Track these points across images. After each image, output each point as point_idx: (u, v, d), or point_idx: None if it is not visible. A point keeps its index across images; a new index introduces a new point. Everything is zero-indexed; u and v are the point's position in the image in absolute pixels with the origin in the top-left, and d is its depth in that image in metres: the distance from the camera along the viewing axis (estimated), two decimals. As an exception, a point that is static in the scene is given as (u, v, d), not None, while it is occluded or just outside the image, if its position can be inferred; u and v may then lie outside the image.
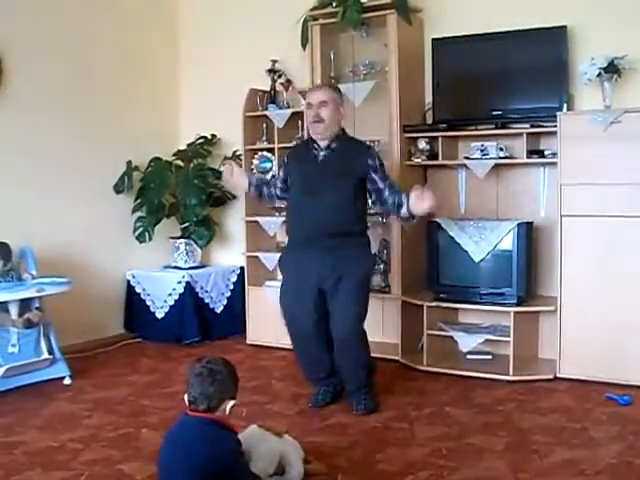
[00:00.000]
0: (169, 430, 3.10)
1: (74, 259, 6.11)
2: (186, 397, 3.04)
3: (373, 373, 4.74)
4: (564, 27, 5.19)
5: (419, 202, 4.25)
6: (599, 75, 4.93)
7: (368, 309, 4.58)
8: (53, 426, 4.37)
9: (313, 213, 4.43)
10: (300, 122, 6.09)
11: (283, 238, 6.36)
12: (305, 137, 5.13)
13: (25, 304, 5.17)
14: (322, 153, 4.55)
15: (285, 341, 6.01)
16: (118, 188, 6.54)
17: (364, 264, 4.58)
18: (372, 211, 5.85)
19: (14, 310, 5.10)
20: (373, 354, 5.37)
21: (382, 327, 6.05)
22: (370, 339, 5.57)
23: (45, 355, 5.18)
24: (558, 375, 5.09)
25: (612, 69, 4.92)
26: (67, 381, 5.27)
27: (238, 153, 6.56)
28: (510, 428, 4.19)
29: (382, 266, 5.91)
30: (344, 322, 4.44)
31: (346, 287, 4.43)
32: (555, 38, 5.21)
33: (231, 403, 3.03)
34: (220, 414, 3.01)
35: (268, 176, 6.06)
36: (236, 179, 4.81)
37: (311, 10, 5.90)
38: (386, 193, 4.48)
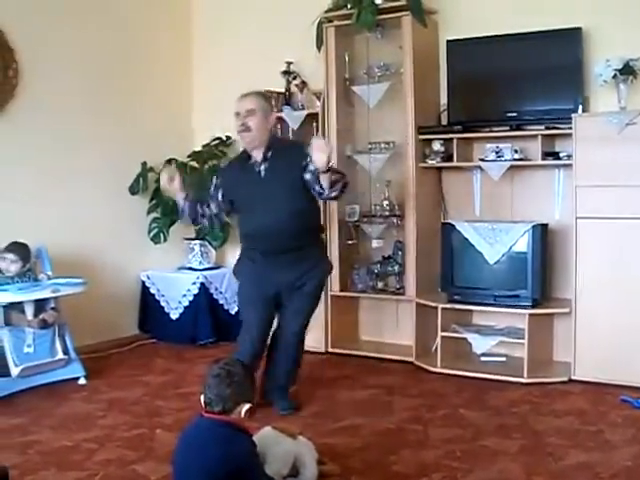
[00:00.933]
0: (184, 431, 3.10)
1: (89, 260, 6.13)
2: (202, 398, 3.04)
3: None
4: (579, 29, 5.18)
5: (316, 156, 4.15)
6: (614, 77, 4.92)
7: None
8: (68, 426, 4.39)
9: (268, 230, 4.38)
10: (315, 124, 6.09)
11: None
12: (237, 154, 4.96)
13: (40, 305, 5.20)
14: (262, 167, 4.45)
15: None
16: (133, 189, 6.56)
17: (320, 274, 4.69)
18: (387, 213, 5.88)
19: (30, 310, 5.12)
20: (388, 355, 5.39)
21: (396, 329, 6.05)
22: (385, 340, 5.60)
23: (60, 355, 5.19)
24: (573, 377, 5.07)
25: (627, 70, 4.90)
26: (82, 381, 5.29)
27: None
28: (524, 430, 4.18)
29: (396, 268, 5.90)
30: (294, 328, 4.65)
31: (302, 297, 4.58)
32: (570, 40, 5.19)
33: (246, 406, 3.01)
34: (235, 416, 3.01)
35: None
36: (175, 187, 4.60)
37: (326, 12, 5.91)
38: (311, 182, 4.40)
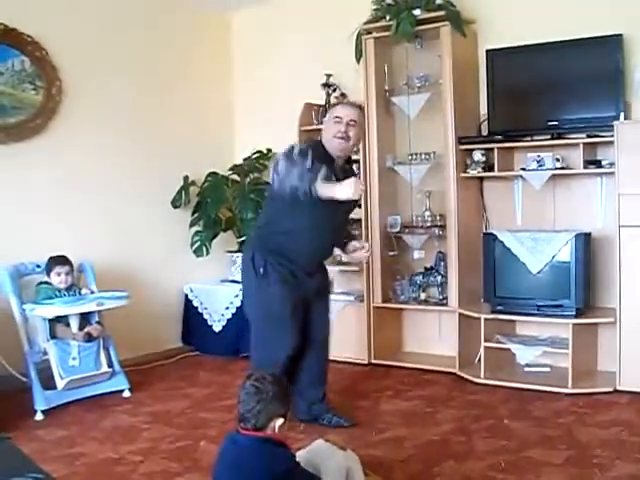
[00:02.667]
0: (222, 447, 3.11)
1: (133, 273, 6.20)
2: (238, 414, 3.05)
3: None
4: (620, 35, 5.13)
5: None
6: (655, 83, 4.88)
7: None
8: (112, 438, 4.44)
9: (321, 240, 4.41)
10: (355, 135, 6.10)
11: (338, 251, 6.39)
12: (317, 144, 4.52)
13: (85, 318, 5.27)
14: (339, 175, 4.26)
15: (343, 353, 6.05)
16: (175, 203, 6.63)
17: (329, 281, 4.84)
18: (428, 224, 5.87)
19: (75, 324, 5.19)
20: (431, 367, 5.38)
21: (439, 340, 6.03)
22: (427, 352, 5.58)
23: (105, 368, 5.25)
24: (618, 388, 5.01)
25: (668, 77, 4.86)
26: (126, 394, 5.34)
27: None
28: (569, 441, 4.14)
29: (438, 278, 5.88)
30: (325, 327, 4.69)
31: (324, 300, 4.68)
32: (610, 46, 5.15)
33: (280, 421, 2.98)
34: (270, 432, 2.99)
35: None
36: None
37: (365, 24, 5.92)
38: None
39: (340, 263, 6.36)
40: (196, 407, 5.06)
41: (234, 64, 7.38)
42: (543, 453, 3.97)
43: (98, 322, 5.32)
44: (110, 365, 5.32)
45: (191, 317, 6.76)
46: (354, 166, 4.93)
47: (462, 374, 5.54)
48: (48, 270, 5.29)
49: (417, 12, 5.56)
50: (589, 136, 5.20)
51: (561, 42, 5.32)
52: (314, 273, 4.52)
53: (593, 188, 5.43)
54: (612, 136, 4.98)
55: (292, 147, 4.08)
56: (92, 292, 5.42)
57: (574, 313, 5.14)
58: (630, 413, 4.61)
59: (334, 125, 4.36)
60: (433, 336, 6.08)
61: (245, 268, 4.47)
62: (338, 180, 4.09)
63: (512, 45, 5.52)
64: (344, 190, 3.86)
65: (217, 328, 6.59)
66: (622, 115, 5.08)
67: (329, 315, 4.75)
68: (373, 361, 6.07)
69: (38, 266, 5.37)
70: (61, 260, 5.31)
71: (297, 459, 3.12)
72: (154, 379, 5.81)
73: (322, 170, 3.92)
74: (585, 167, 5.22)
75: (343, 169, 4.42)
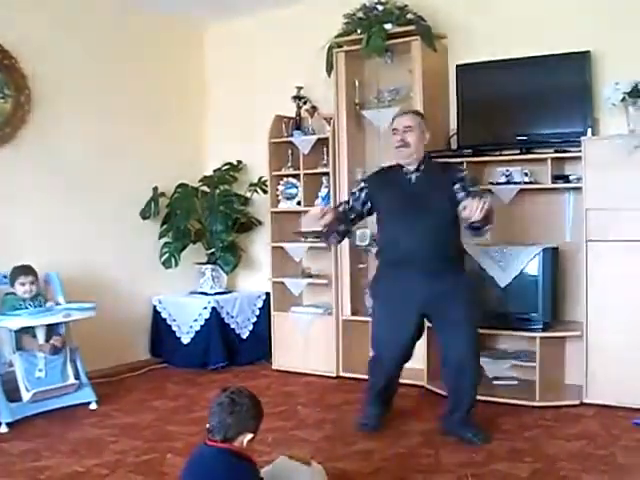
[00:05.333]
0: (189, 458, 3.10)
1: (101, 285, 6.16)
2: (207, 425, 3.04)
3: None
4: (588, 52, 5.20)
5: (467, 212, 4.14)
6: (623, 100, 4.92)
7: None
8: (79, 451, 4.39)
9: (412, 235, 4.36)
10: (325, 148, 6.12)
11: (309, 264, 6.41)
12: (385, 165, 4.89)
13: (52, 329, 5.22)
14: (414, 175, 4.51)
15: (311, 366, 6.06)
16: (145, 214, 6.60)
17: (468, 291, 4.56)
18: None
19: (41, 335, 5.15)
20: (399, 379, 5.36)
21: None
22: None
23: (71, 380, 5.21)
24: (584, 401, 5.04)
25: (636, 94, 4.90)
26: (93, 406, 5.29)
27: (264, 179, 6.59)
28: (536, 454, 4.16)
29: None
30: (462, 344, 4.41)
31: (457, 308, 4.42)
32: (579, 63, 5.22)
33: (249, 437, 2.99)
34: (237, 444, 2.99)
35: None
36: (325, 220, 4.44)
37: (336, 37, 5.94)
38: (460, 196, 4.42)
39: (309, 276, 6.37)
40: (163, 420, 5.02)
41: (206, 76, 7.37)
42: (510, 466, 3.98)
43: (62, 334, 5.27)
44: (77, 377, 5.27)
45: (160, 329, 6.73)
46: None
47: (430, 387, 5.55)
48: (12, 280, 5.23)
49: (388, 26, 5.58)
50: (557, 151, 5.24)
51: (530, 58, 5.37)
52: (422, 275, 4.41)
53: (561, 203, 5.48)
54: (580, 152, 5.03)
55: None
56: (58, 303, 5.36)
57: (542, 327, 5.17)
58: (596, 426, 4.64)
59: (393, 138, 4.55)
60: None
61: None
62: (409, 183, 4.50)
63: (482, 60, 5.57)
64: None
65: (186, 340, 6.56)
66: (590, 131, 5.13)
67: (470, 331, 4.54)
68: (342, 374, 6.07)
69: (5, 277, 5.31)
70: (25, 270, 5.25)
71: (261, 475, 3.12)
72: (122, 391, 5.76)
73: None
74: (553, 182, 5.27)
75: (429, 170, 4.53)
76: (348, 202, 4.74)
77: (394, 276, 4.50)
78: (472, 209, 4.04)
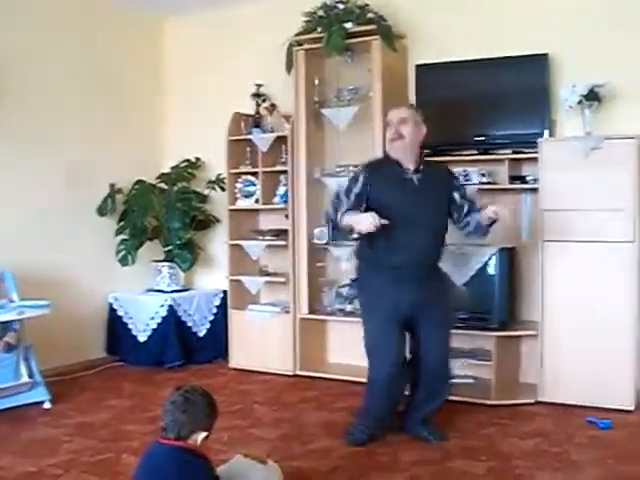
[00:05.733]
0: (141, 457, 3.08)
1: (57, 282, 6.08)
2: (161, 424, 3.02)
3: None
4: (545, 54, 5.25)
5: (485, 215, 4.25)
6: (580, 102, 4.99)
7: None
8: (32, 451, 4.33)
9: (412, 242, 4.22)
10: (284, 146, 6.11)
11: (266, 262, 6.39)
12: (380, 156, 4.78)
13: (6, 327, 5.14)
14: (415, 177, 4.32)
15: (268, 365, 6.05)
16: (101, 211, 6.53)
17: (448, 293, 4.61)
18: (355, 235, 5.87)
19: (-6, 333, 5.08)
20: (356, 378, 5.37)
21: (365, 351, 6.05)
22: (353, 363, 5.58)
23: (25, 379, 5.15)
24: (539, 399, 5.10)
25: (592, 96, 4.98)
26: (47, 405, 5.23)
27: (222, 177, 6.57)
28: (492, 452, 4.19)
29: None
30: (444, 346, 4.46)
31: (440, 310, 4.43)
32: (537, 65, 5.27)
33: (202, 435, 2.99)
34: (191, 442, 2.98)
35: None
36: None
37: (296, 35, 5.94)
38: (465, 209, 4.41)
39: (266, 274, 6.36)
40: (119, 419, 4.98)
41: (165, 72, 7.32)
42: (466, 464, 4.01)
43: (17, 330, 5.20)
44: (31, 376, 5.20)
45: (116, 327, 6.66)
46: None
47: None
48: (-37, 277, 5.16)
49: (348, 25, 5.60)
50: (514, 152, 5.29)
51: (490, 59, 5.42)
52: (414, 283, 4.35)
53: (518, 203, 5.51)
54: (537, 153, 5.08)
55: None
56: (12, 301, 5.28)
57: (498, 326, 5.21)
58: (550, 424, 4.69)
59: (387, 131, 4.43)
60: (358, 348, 6.08)
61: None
62: (412, 186, 4.31)
63: (441, 61, 5.60)
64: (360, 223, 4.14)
65: (142, 338, 6.50)
66: (547, 132, 5.18)
67: (447, 336, 4.55)
68: (299, 372, 6.06)
69: (-41, 274, 5.24)
70: None
71: (217, 474, 3.11)
72: (77, 390, 5.70)
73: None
74: (510, 183, 5.31)
75: (428, 171, 4.39)
76: (342, 200, 4.37)
77: (390, 279, 4.29)
78: (505, 220, 4.27)
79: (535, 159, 5.14)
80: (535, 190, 5.19)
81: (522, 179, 5.32)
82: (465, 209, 4.40)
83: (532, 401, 5.11)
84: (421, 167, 4.36)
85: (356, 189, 4.33)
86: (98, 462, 4.15)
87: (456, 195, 4.41)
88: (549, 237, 5.04)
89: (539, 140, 5.09)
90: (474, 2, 5.71)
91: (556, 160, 5.01)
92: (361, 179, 4.34)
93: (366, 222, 4.07)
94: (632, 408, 4.86)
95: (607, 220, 4.87)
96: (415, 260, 4.26)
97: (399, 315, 4.32)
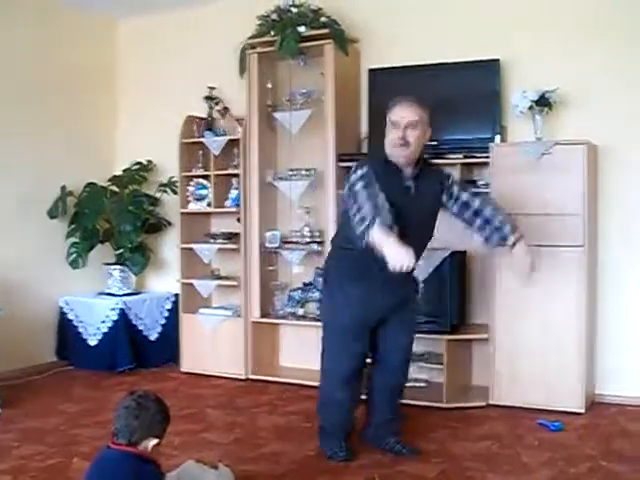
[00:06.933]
0: (92, 462, 3.05)
1: (6, 284, 5.99)
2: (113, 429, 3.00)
3: None
4: (497, 60, 5.31)
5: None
6: (531, 107, 5.06)
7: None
8: (-20, 456, 4.28)
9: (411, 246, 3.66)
10: (236, 150, 6.10)
11: (218, 265, 6.36)
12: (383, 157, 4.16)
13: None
14: (412, 183, 3.97)
15: (220, 369, 6.02)
16: (52, 213, 6.46)
17: (416, 297, 4.41)
18: (307, 239, 5.88)
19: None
20: (308, 382, 5.37)
21: (317, 355, 6.03)
22: (305, 367, 5.58)
23: (-27, 383, 5.08)
24: (490, 402, 5.14)
25: (543, 102, 5.04)
26: (-4, 410, 5.17)
27: (174, 180, 6.53)
28: (443, 455, 4.21)
29: (317, 294, 5.87)
30: (407, 347, 4.29)
31: (408, 313, 4.26)
32: (488, 70, 5.33)
33: (154, 442, 2.98)
34: (142, 448, 2.96)
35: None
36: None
37: (249, 38, 5.93)
38: (476, 204, 4.09)
39: (218, 277, 6.33)
40: (69, 423, 4.92)
41: (118, 74, 7.26)
42: (417, 467, 4.02)
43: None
44: (-22, 380, 5.13)
45: (66, 330, 6.58)
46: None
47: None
48: None
49: (302, 29, 5.60)
50: (466, 157, 5.33)
51: (441, 64, 5.46)
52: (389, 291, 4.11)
53: (469, 207, 5.55)
54: (488, 157, 5.13)
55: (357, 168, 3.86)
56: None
57: (449, 329, 5.24)
58: (501, 427, 4.73)
59: (391, 132, 3.92)
60: (311, 351, 6.08)
61: None
62: (409, 194, 3.95)
63: (394, 65, 5.63)
64: (395, 259, 3.52)
65: (93, 342, 6.43)
66: (498, 137, 5.23)
67: (410, 339, 4.36)
68: (250, 376, 6.05)
69: None
70: None
71: (167, 479, 3.09)
72: (26, 395, 5.62)
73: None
74: (462, 187, 5.35)
75: (423, 176, 4.02)
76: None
77: (366, 284, 4.03)
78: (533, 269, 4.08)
79: (486, 164, 5.20)
80: (486, 194, 5.23)
81: (473, 183, 5.35)
82: (476, 204, 4.09)
83: (484, 404, 5.15)
84: (417, 173, 4.00)
85: (373, 186, 3.75)
86: (48, 467, 4.09)
87: (444, 198, 4.09)
88: (500, 241, 5.08)
89: (490, 145, 5.15)
90: (427, 7, 5.74)
91: (507, 165, 5.06)
92: (371, 174, 3.80)
93: (402, 260, 3.50)
94: (582, 410, 4.93)
95: (557, 224, 4.93)
96: (396, 272, 3.77)
97: (370, 322, 4.13)
